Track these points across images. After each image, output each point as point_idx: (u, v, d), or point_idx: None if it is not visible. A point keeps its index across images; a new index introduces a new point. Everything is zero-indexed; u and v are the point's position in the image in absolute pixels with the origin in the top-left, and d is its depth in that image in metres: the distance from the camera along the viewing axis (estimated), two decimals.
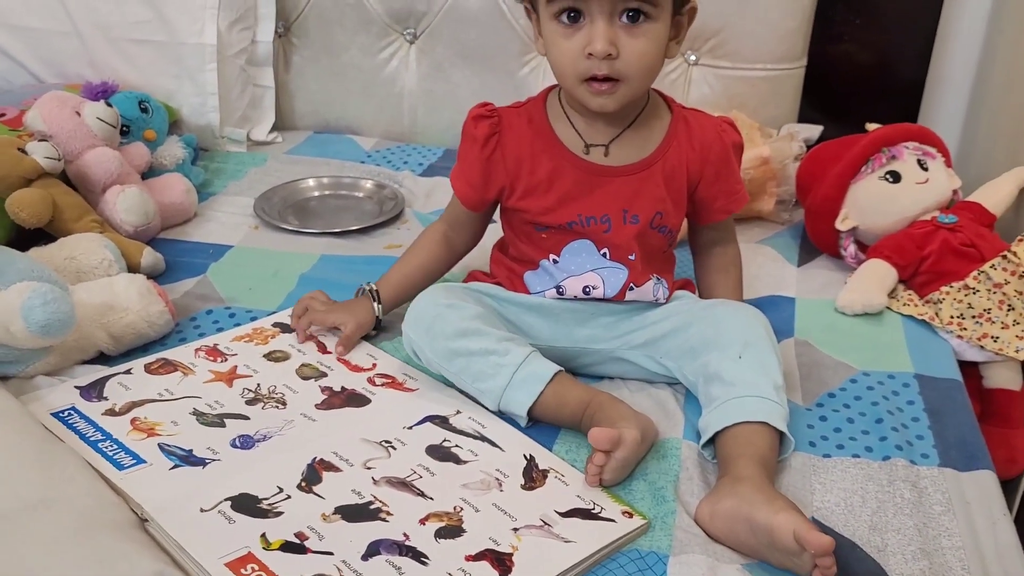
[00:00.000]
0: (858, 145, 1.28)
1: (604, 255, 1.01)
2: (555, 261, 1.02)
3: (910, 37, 1.59)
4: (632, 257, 1.01)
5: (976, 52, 1.50)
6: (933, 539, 0.84)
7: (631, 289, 1.01)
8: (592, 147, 1.00)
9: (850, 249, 1.28)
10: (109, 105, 1.34)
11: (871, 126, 1.33)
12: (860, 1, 1.60)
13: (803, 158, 1.38)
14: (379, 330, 1.11)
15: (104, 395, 0.98)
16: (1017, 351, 1.13)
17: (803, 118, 1.58)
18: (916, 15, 1.57)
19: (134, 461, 0.87)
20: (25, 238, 1.21)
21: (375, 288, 1.10)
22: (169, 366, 1.03)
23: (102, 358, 1.06)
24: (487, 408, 0.97)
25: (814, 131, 1.50)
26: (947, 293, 1.17)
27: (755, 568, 0.80)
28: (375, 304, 1.09)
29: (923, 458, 0.94)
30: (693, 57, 1.55)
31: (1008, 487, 1.16)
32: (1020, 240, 1.18)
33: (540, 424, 0.96)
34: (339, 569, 0.76)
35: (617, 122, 0.99)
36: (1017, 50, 1.37)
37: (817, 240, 1.33)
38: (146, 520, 0.81)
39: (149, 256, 1.22)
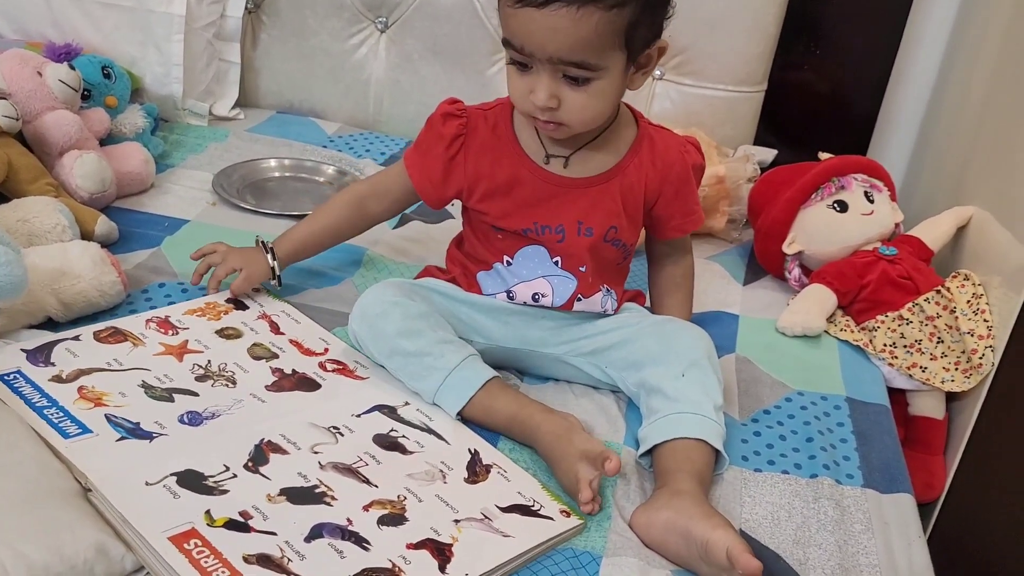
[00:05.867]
0: (810, 173, 1.32)
1: (556, 263, 1.03)
2: (508, 264, 1.04)
3: (866, 73, 1.64)
4: (583, 269, 1.03)
5: (927, 94, 1.56)
6: (852, 556, 0.88)
7: (579, 300, 1.03)
8: (553, 157, 1.01)
9: (794, 272, 1.32)
10: (72, 68, 1.32)
11: (823, 155, 1.37)
12: (822, 34, 1.65)
13: (756, 180, 1.42)
14: (281, 284, 1.15)
15: (51, 360, 0.97)
16: (943, 382, 1.18)
17: (759, 141, 1.62)
18: (874, 52, 1.62)
19: (80, 430, 0.87)
20: None
21: (270, 245, 1.13)
22: (119, 335, 1.03)
23: (50, 324, 1.05)
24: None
25: (768, 155, 1.54)
26: (882, 322, 1.22)
27: (684, 575, 0.83)
28: (269, 258, 1.12)
29: (848, 478, 0.98)
30: (658, 72, 1.58)
31: (924, 511, 1.21)
32: (954, 276, 1.23)
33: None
34: (282, 549, 0.77)
35: (579, 139, 1.00)
36: (965, 96, 1.43)
37: (764, 261, 1.37)
38: (90, 490, 0.81)
39: (103, 224, 1.21)
